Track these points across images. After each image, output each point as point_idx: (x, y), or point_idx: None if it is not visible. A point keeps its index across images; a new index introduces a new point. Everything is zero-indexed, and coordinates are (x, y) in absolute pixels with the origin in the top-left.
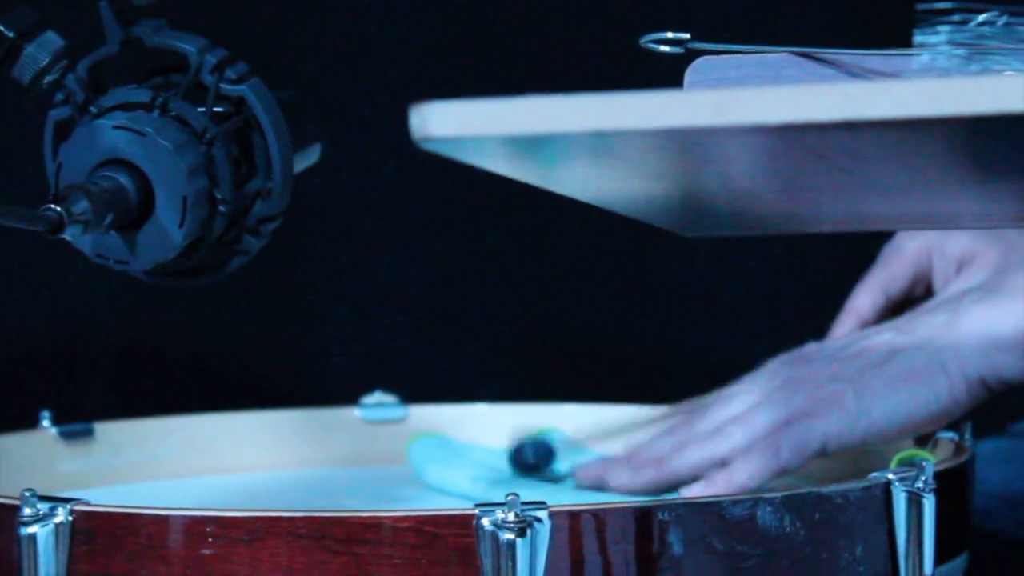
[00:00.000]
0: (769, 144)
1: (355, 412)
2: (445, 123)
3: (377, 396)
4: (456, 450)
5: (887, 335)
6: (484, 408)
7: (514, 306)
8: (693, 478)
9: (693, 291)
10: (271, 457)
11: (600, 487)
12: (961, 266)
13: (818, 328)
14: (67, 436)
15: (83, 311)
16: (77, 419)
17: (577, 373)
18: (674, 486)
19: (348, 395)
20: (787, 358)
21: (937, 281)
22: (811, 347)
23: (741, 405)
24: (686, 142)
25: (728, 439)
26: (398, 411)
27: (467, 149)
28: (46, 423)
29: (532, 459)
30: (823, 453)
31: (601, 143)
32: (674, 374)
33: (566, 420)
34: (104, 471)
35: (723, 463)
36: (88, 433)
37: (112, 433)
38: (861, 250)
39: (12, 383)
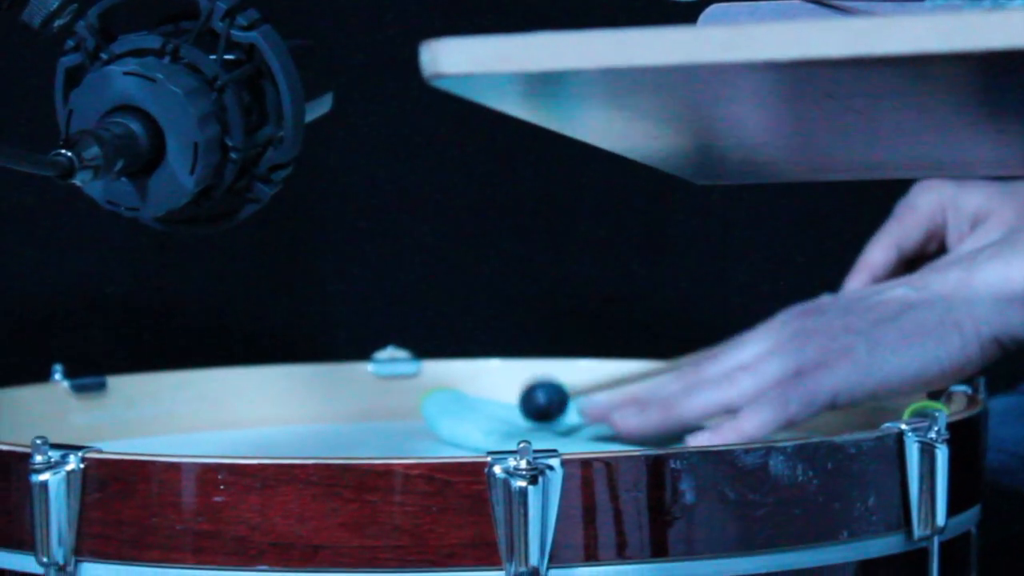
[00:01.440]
0: (779, 83)
1: (367, 367)
2: (456, 60)
3: (389, 351)
4: (470, 404)
5: (901, 290)
6: (497, 363)
7: (528, 261)
8: (700, 423)
9: (709, 246)
10: (283, 412)
11: (605, 429)
12: (975, 223)
13: (834, 283)
14: (79, 389)
15: (96, 266)
16: (90, 373)
17: (591, 328)
18: (680, 431)
19: (360, 350)
20: (800, 309)
21: (951, 238)
22: (825, 299)
23: (752, 353)
24: (697, 81)
25: (737, 385)
26: (410, 366)
27: (479, 87)
28: (58, 376)
29: (544, 402)
30: (833, 406)
31: (613, 82)
32: (689, 329)
33: (580, 375)
34: (117, 424)
35: (730, 409)
36: (100, 386)
37: (125, 386)
38: (877, 205)
39: (26, 337)
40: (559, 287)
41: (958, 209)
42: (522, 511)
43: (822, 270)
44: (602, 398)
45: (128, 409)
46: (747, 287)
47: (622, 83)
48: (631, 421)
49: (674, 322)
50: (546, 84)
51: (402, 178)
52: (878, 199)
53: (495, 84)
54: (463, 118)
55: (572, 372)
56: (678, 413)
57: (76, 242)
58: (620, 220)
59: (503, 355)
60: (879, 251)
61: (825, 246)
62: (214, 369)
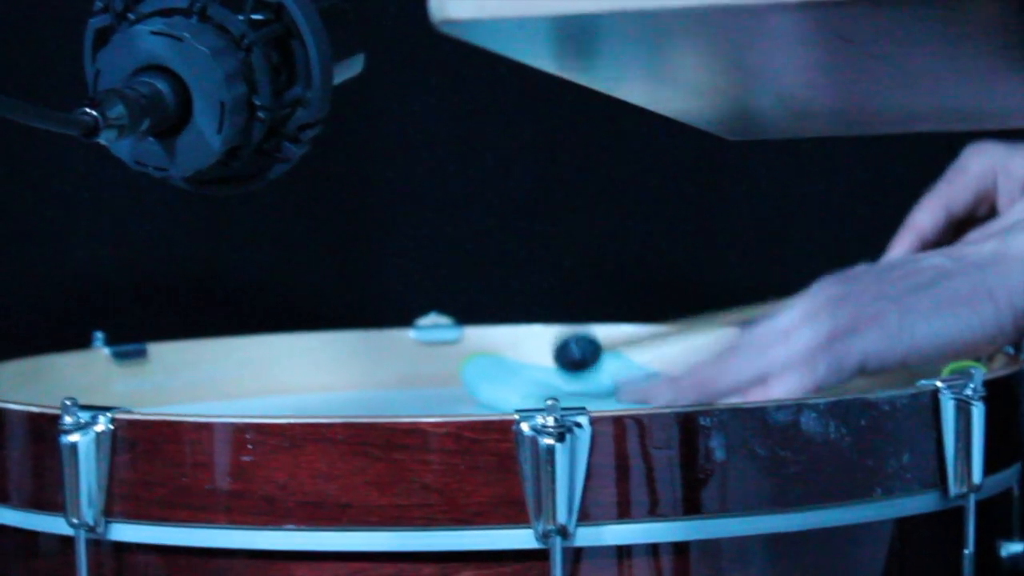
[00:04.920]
0: (798, 27)
1: (410, 334)
2: (464, 4)
3: (432, 318)
4: (509, 368)
5: (937, 259)
6: (539, 329)
7: (569, 227)
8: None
9: (757, 212)
10: (325, 378)
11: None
12: None
13: (884, 247)
14: (120, 356)
15: (141, 235)
16: (132, 340)
17: (633, 294)
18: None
19: (403, 317)
20: (835, 277)
21: (1002, 202)
22: (860, 268)
23: (784, 323)
24: (711, 25)
25: (768, 355)
26: (453, 332)
27: (491, 34)
28: (99, 343)
29: (577, 355)
30: (862, 372)
31: (630, 27)
32: (735, 296)
33: (624, 343)
34: (158, 392)
35: (763, 379)
36: (141, 354)
37: (166, 354)
38: (930, 170)
39: (73, 305)
40: (602, 253)
41: (1009, 173)
42: (549, 469)
43: (871, 232)
44: (633, 371)
45: (170, 376)
46: (794, 254)
47: (639, 27)
48: (665, 396)
49: (719, 289)
50: (559, 30)
51: (446, 144)
52: (930, 163)
53: (508, 31)
54: (509, 82)
55: (615, 338)
56: (712, 386)
57: (121, 211)
58: (663, 186)
59: (545, 321)
60: (927, 213)
61: (875, 209)
62: (255, 336)
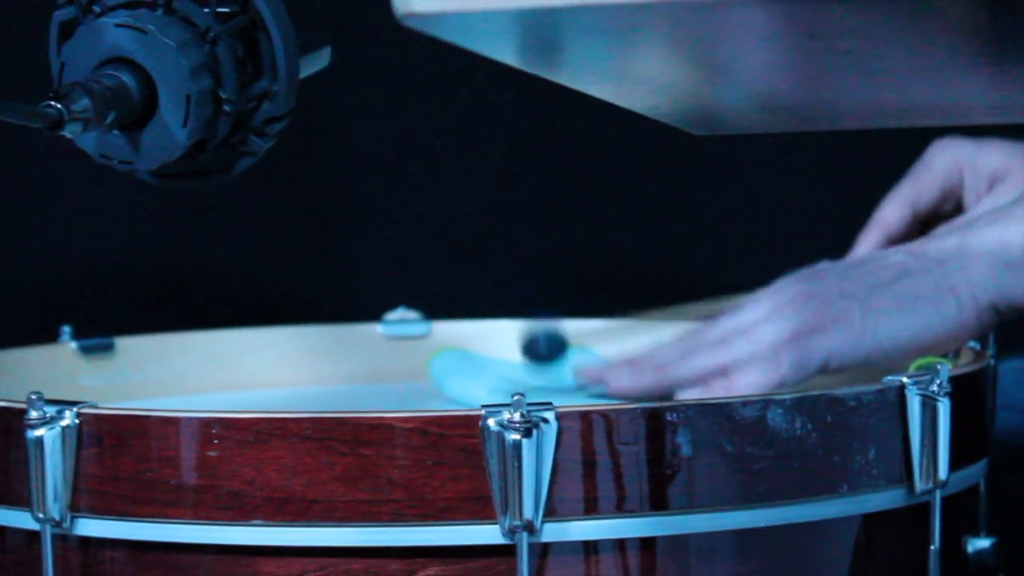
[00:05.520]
0: (761, 23)
1: (378, 328)
2: None
3: (400, 312)
4: (477, 363)
5: (900, 256)
6: (506, 324)
7: (538, 222)
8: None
9: (724, 210)
10: (293, 373)
11: (600, 389)
12: (993, 183)
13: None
14: (87, 351)
15: (113, 231)
16: (101, 335)
17: (601, 289)
18: (672, 393)
19: (371, 311)
20: (799, 275)
21: (968, 198)
22: (824, 265)
23: (748, 318)
24: (676, 20)
25: (731, 349)
26: (421, 327)
27: (454, 28)
28: (66, 337)
29: (544, 349)
30: (825, 370)
31: (594, 21)
32: (702, 292)
33: (590, 336)
34: (125, 386)
35: (724, 373)
36: (108, 348)
37: (133, 348)
38: (896, 169)
39: (44, 301)
40: (570, 249)
41: (976, 169)
42: (516, 464)
43: (837, 228)
44: (597, 361)
45: (136, 371)
46: (761, 249)
47: (604, 22)
48: (624, 381)
49: (687, 283)
50: (523, 24)
51: (416, 140)
52: (897, 159)
53: (472, 25)
54: (477, 78)
55: (583, 333)
56: (672, 375)
57: (88, 205)
58: (635, 184)
59: (513, 316)
60: (893, 209)
61: (841, 205)
62: (223, 330)
